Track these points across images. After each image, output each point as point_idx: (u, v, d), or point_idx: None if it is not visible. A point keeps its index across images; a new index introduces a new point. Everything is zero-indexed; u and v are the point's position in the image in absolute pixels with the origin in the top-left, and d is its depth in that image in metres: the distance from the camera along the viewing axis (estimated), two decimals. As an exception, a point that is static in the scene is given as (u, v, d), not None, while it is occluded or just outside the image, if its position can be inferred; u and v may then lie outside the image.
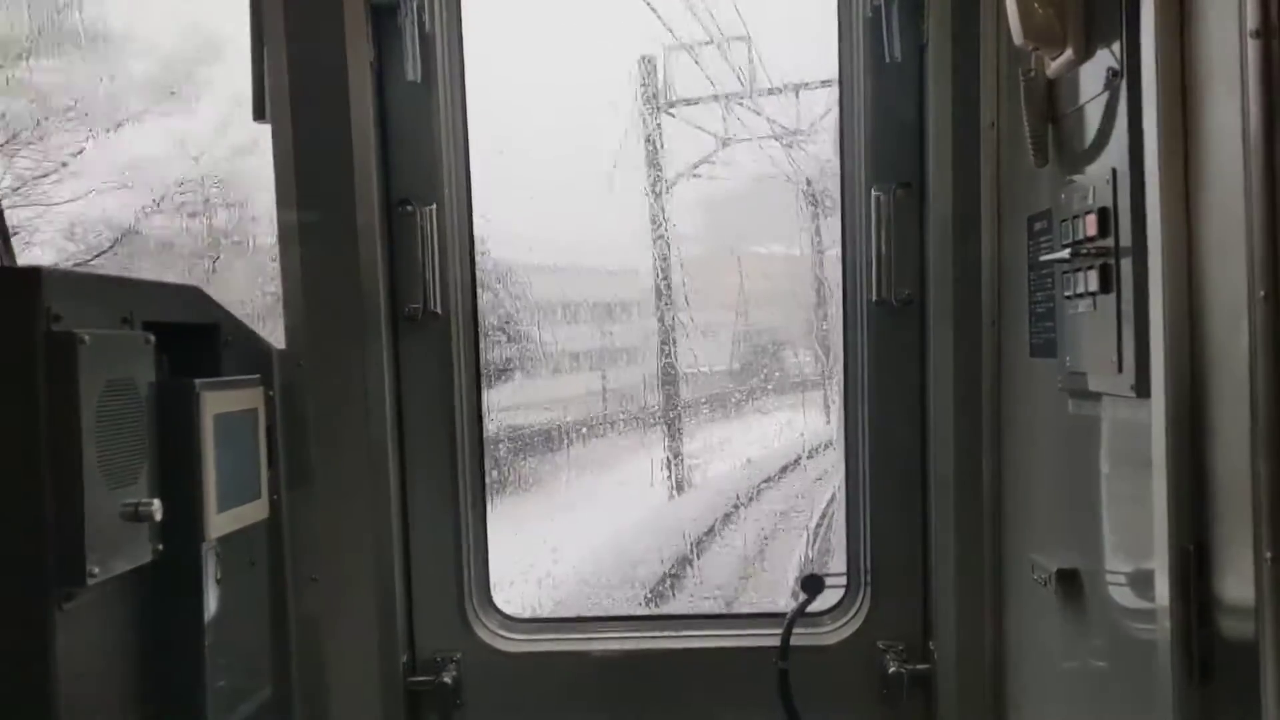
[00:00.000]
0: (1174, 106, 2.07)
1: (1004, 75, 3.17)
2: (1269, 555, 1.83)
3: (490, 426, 3.87)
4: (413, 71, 3.47)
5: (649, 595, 4.71)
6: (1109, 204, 2.40)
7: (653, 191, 4.35)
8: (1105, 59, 2.43)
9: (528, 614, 3.90)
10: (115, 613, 2.50)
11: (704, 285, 4.83)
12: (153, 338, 2.58)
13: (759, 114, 4.33)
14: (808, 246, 4.40)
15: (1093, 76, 2.50)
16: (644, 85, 4.36)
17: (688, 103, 4.44)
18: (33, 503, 2.22)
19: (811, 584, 3.60)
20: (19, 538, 2.23)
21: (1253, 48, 1.84)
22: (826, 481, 4.53)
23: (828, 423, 4.97)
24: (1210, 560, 2.01)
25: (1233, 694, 1.96)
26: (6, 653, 2.25)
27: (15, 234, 3.54)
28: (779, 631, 3.54)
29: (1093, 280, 2.47)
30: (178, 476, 2.62)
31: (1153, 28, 2.09)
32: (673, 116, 4.45)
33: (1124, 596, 2.49)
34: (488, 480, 3.80)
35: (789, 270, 4.66)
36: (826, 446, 4.81)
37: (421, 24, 3.46)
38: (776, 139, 4.29)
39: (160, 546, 2.54)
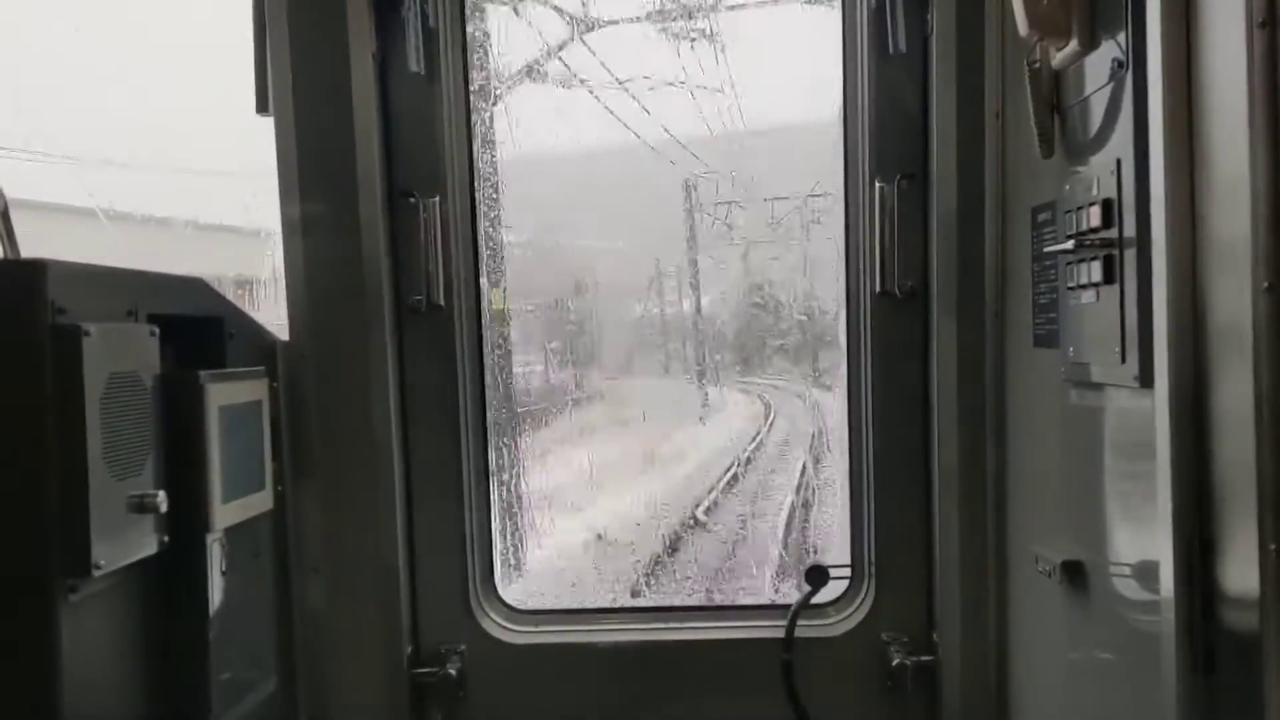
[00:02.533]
0: (1179, 98, 2.06)
1: (1008, 66, 3.16)
2: (1273, 547, 1.83)
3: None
4: (416, 63, 3.46)
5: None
6: (1113, 195, 2.39)
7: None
8: (1110, 50, 2.42)
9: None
10: (121, 604, 2.51)
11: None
12: (157, 330, 2.59)
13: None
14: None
15: (1098, 67, 2.49)
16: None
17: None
18: (38, 495, 2.23)
19: (816, 576, 3.61)
20: (25, 529, 2.24)
21: (1259, 39, 1.84)
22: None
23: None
24: (1214, 552, 2.01)
25: (1236, 685, 1.96)
26: (13, 643, 2.26)
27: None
28: (783, 623, 3.55)
29: (1096, 271, 2.46)
30: (183, 468, 2.62)
31: (1158, 18, 2.08)
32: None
33: (1128, 588, 2.49)
34: (491, 472, 3.80)
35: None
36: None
37: (424, 15, 3.46)
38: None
39: (165, 538, 2.55)
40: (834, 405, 4.81)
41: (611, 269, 4.54)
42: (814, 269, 4.51)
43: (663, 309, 4.81)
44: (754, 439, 5.21)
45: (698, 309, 4.74)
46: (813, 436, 4.91)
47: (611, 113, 4.09)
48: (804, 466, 4.93)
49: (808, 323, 4.61)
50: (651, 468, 4.69)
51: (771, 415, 5.36)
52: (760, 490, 5.05)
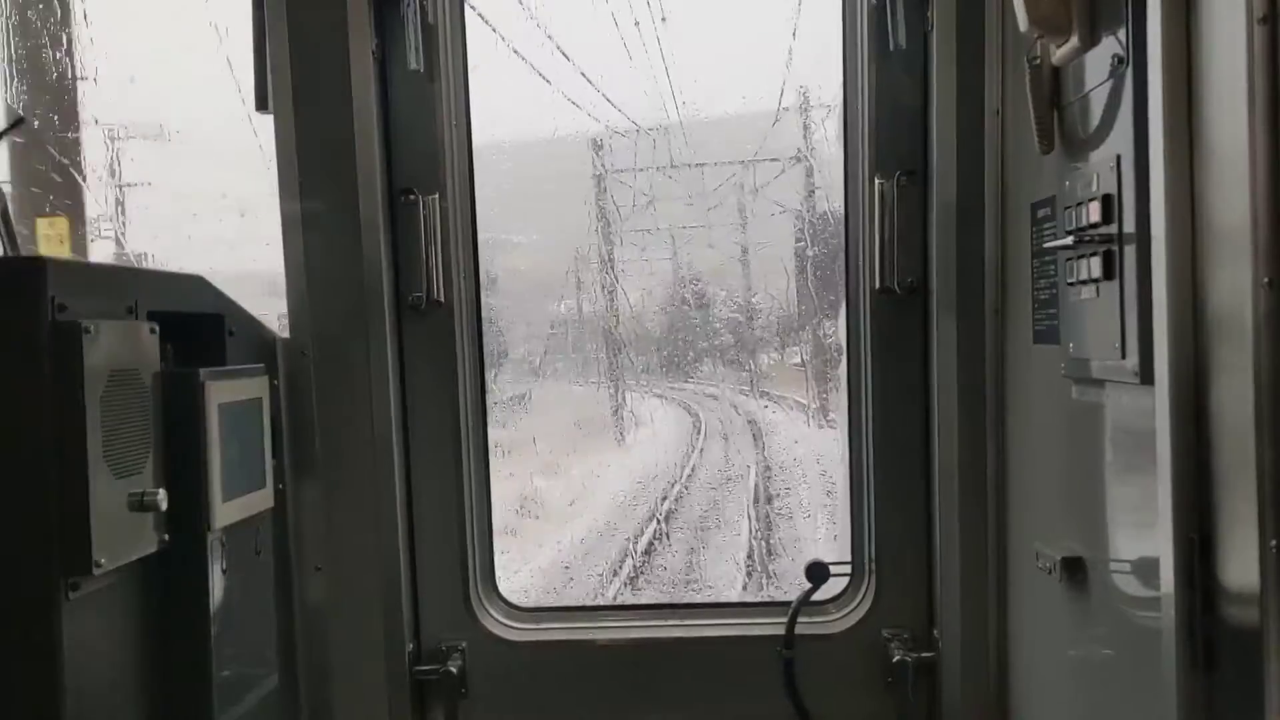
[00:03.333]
0: (1179, 93, 2.06)
1: (1008, 62, 3.16)
2: (1273, 543, 1.83)
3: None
4: (415, 60, 3.46)
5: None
6: (1113, 190, 2.39)
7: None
8: (1110, 46, 2.42)
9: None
10: (122, 602, 2.51)
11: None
12: (157, 327, 2.59)
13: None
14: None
15: (1098, 63, 2.49)
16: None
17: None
18: (39, 493, 2.23)
19: (816, 572, 3.61)
20: (26, 528, 2.24)
21: (1259, 34, 1.84)
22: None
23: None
24: (1214, 548, 2.01)
25: (1236, 681, 1.97)
26: (14, 642, 2.26)
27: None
28: (784, 620, 3.55)
29: (1096, 267, 2.46)
30: (183, 466, 2.62)
31: (1158, 14, 2.08)
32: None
33: (1128, 584, 2.49)
34: (492, 470, 3.81)
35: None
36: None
37: (424, 12, 3.45)
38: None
39: (166, 536, 2.55)
40: (781, 424, 4.31)
41: (523, 262, 4.21)
42: (758, 256, 4.24)
43: (580, 306, 4.35)
44: (674, 486, 4.25)
45: (611, 305, 4.29)
46: (755, 480, 4.31)
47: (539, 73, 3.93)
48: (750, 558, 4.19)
49: (744, 323, 4.26)
50: (530, 534, 3.93)
51: (700, 442, 4.57)
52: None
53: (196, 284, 3.01)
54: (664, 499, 4.14)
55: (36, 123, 4.22)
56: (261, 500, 3.02)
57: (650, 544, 3.95)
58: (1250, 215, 1.85)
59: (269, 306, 3.27)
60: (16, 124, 3.04)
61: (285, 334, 3.41)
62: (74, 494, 2.25)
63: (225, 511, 2.75)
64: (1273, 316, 1.83)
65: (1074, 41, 2.54)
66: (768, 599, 4.10)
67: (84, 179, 4.47)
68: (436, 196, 3.53)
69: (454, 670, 3.60)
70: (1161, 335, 2.10)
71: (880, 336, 3.57)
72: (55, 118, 4.40)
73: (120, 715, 2.54)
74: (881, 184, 3.48)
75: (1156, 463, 2.12)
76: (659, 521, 3.96)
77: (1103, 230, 2.43)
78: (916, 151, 3.48)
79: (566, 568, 3.89)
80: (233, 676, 2.84)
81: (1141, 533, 2.33)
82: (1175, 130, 2.06)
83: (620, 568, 3.80)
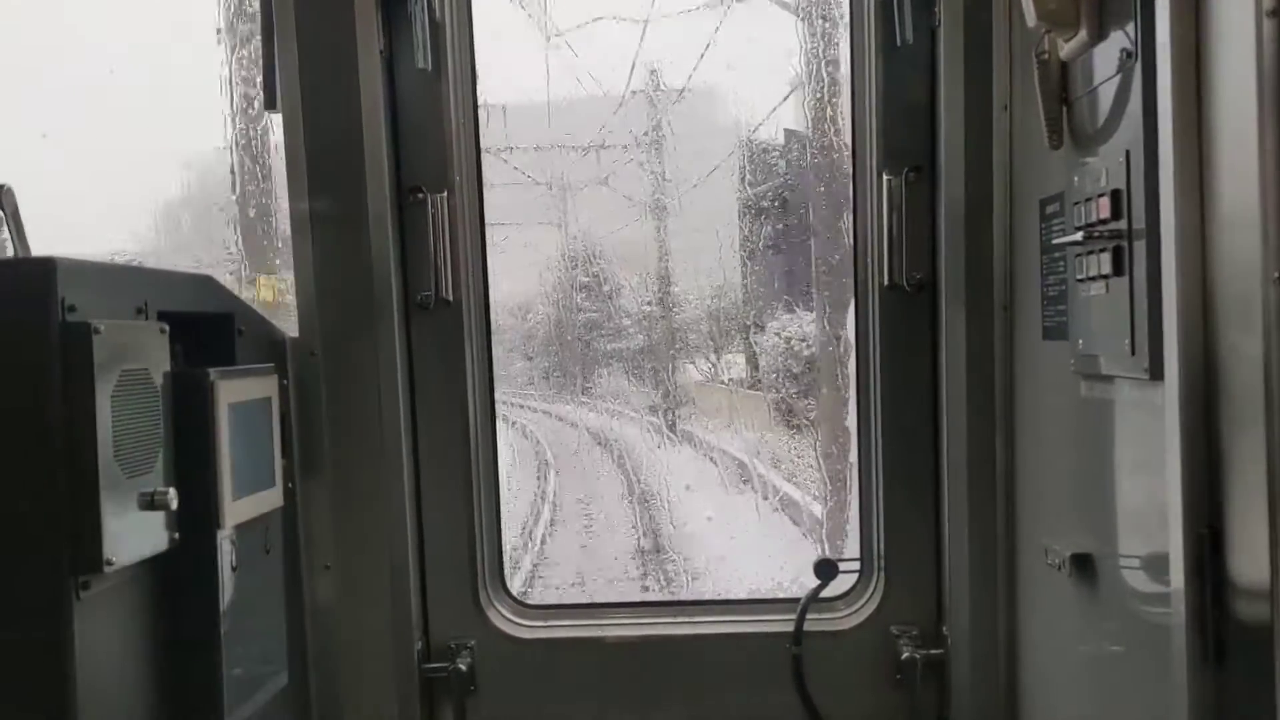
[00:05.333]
0: (1188, 88, 2.05)
1: (1016, 58, 3.16)
2: None
3: None
4: (423, 59, 3.46)
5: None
6: (1122, 186, 2.39)
7: None
8: (1119, 40, 2.41)
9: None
10: (132, 601, 2.52)
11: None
12: (167, 327, 2.60)
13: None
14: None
15: (1106, 58, 2.48)
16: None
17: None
18: (50, 492, 2.24)
19: (825, 569, 3.61)
20: (36, 527, 2.25)
21: (1269, 27, 1.83)
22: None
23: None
24: (1224, 543, 2.01)
25: (1247, 676, 1.96)
26: (26, 641, 2.27)
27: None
28: (792, 617, 3.55)
29: (1105, 263, 2.46)
30: (193, 465, 2.63)
31: (1167, 8, 2.07)
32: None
33: (1138, 580, 2.49)
34: (500, 467, 3.81)
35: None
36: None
37: (431, 11, 3.46)
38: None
39: (176, 535, 2.55)
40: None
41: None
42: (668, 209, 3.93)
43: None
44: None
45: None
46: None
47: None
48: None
49: (651, 323, 3.96)
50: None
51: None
52: None
53: (205, 284, 3.02)
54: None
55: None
56: (271, 499, 3.03)
57: None
58: (1260, 210, 1.85)
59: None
60: None
61: (294, 333, 3.42)
62: (84, 493, 2.25)
63: (235, 510, 2.76)
64: None
65: (1082, 36, 2.53)
66: (777, 595, 4.09)
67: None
68: (445, 195, 3.53)
69: (463, 667, 3.60)
70: (1171, 331, 2.10)
71: (889, 333, 3.56)
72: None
73: (131, 713, 2.54)
74: (889, 180, 3.48)
75: (1166, 459, 2.12)
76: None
77: (1112, 226, 2.43)
78: (924, 148, 3.48)
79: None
80: (243, 674, 2.85)
81: (1151, 528, 2.32)
82: (1184, 125, 2.06)
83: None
